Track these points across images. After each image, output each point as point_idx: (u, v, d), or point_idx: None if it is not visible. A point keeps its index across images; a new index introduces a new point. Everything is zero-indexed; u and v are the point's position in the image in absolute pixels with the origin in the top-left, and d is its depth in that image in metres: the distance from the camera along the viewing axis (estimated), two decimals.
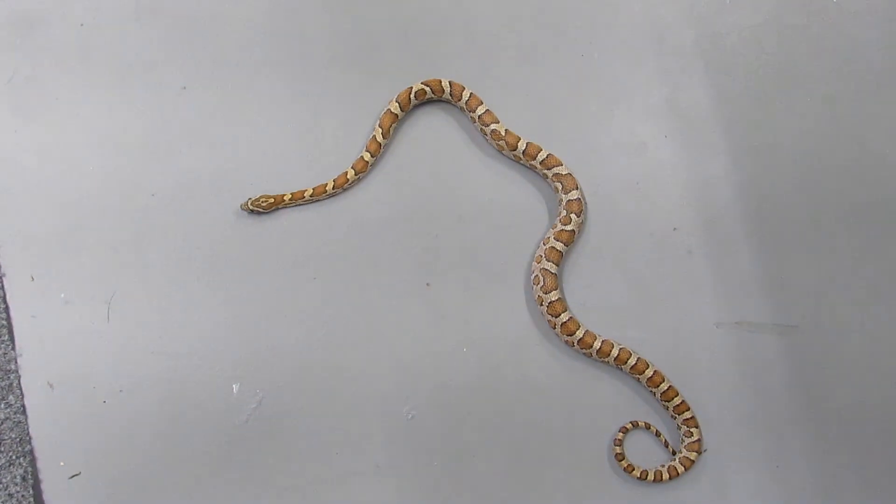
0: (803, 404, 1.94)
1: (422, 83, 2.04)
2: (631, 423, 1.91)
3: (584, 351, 1.93)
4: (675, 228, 2.03)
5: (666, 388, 1.90)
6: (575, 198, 1.99)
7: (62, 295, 1.95)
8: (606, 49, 2.13)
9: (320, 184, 2.01)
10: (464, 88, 2.05)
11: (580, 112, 2.10)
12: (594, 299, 1.99)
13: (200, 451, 1.88)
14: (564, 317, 1.92)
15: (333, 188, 2.00)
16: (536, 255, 1.98)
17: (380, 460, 1.90)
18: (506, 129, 2.02)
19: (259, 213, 1.99)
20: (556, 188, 2.02)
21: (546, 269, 1.94)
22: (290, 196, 2.00)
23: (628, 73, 2.11)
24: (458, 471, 1.90)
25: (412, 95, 2.03)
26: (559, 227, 1.98)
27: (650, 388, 1.92)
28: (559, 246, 1.96)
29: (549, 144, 2.05)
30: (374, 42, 2.14)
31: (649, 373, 1.90)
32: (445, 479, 1.90)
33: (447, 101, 2.10)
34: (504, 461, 1.91)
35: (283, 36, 2.13)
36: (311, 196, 2.00)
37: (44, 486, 1.86)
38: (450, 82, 2.05)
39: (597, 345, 1.91)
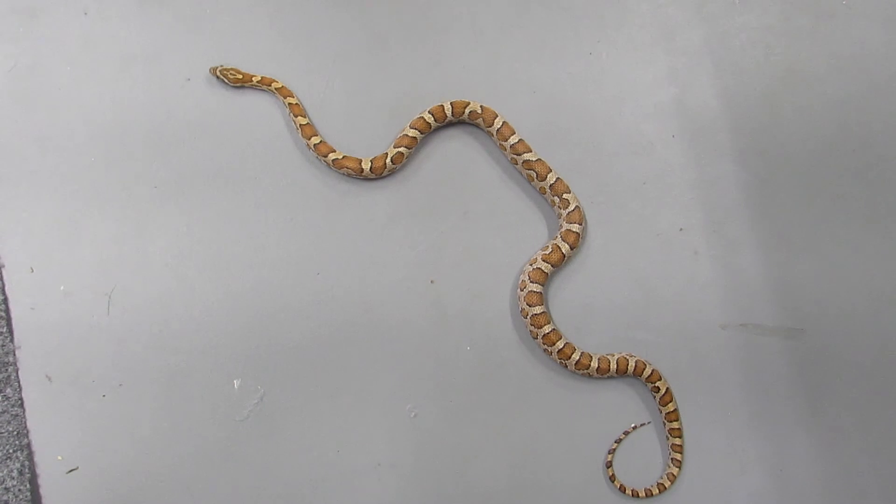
0: (808, 408, 1.93)
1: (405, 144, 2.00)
2: (623, 432, 1.91)
3: (581, 372, 1.93)
4: (681, 229, 2.03)
5: (664, 390, 1.91)
6: (555, 179, 1.98)
7: (62, 287, 1.92)
8: (615, 48, 2.12)
9: (284, 85, 2.04)
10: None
11: (587, 111, 2.09)
12: (599, 299, 1.98)
13: (200, 447, 1.87)
14: (560, 343, 1.91)
15: (287, 98, 2.02)
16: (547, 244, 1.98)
17: (382, 458, 1.89)
18: (481, 106, 2.01)
19: (224, 82, 2.03)
20: (531, 176, 2.01)
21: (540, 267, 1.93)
22: (260, 78, 2.03)
23: (637, 72, 2.10)
24: (460, 470, 1.89)
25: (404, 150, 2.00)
26: (564, 213, 1.97)
27: (650, 386, 1.93)
28: (575, 227, 1.95)
29: (555, 143, 2.05)
30: (381, 37, 2.12)
31: (647, 371, 1.91)
32: (448, 478, 1.89)
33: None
34: (507, 460, 1.90)
35: (289, 28, 2.11)
36: (277, 89, 2.03)
37: (41, 481, 1.84)
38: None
39: (594, 364, 1.90)
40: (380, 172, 1.99)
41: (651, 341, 1.96)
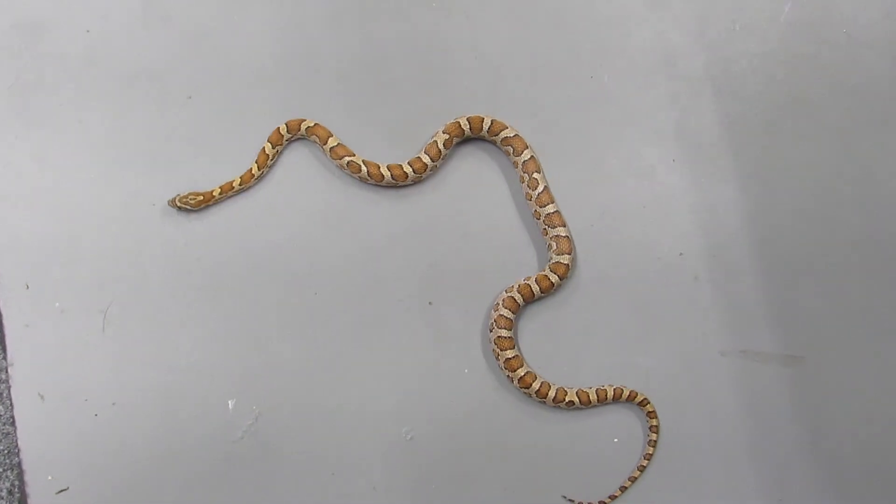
0: (808, 437, 1.92)
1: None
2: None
3: (539, 400, 1.91)
4: (681, 254, 2.02)
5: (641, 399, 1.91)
6: (528, 157, 2.00)
7: (57, 304, 1.91)
8: (616, 72, 2.13)
9: (246, 171, 1.98)
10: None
11: (588, 134, 2.09)
12: (597, 324, 1.97)
13: (194, 468, 1.85)
14: (521, 371, 1.89)
15: (259, 170, 1.98)
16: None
17: (377, 482, 1.87)
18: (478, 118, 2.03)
19: (188, 210, 1.96)
20: (508, 152, 2.03)
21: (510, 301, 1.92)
22: (219, 190, 1.96)
23: (638, 97, 2.11)
24: (457, 494, 1.87)
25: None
26: (527, 188, 1.99)
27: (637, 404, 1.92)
28: (550, 209, 1.96)
29: (555, 165, 2.05)
30: (383, 58, 2.13)
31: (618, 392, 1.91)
32: (443, 502, 1.86)
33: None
34: (503, 485, 1.88)
35: (291, 48, 2.11)
36: (239, 185, 1.97)
37: (31, 501, 1.81)
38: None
39: (550, 394, 1.88)
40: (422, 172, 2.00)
41: (650, 367, 1.95)
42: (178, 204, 1.94)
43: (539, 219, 1.99)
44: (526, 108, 2.10)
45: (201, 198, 1.94)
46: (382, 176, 1.98)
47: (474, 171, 2.07)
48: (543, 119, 2.10)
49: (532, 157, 2.00)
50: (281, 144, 2.01)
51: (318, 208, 2.02)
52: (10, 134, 2.00)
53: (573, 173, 2.06)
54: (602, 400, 1.90)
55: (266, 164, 1.99)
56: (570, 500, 1.86)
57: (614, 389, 1.90)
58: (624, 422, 1.93)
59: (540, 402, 1.90)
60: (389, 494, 1.86)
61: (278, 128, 2.00)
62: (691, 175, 2.06)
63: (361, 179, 2.01)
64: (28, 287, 1.92)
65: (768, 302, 1.99)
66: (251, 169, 1.98)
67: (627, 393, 1.90)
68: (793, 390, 1.94)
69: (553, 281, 1.93)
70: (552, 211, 1.97)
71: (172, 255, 1.95)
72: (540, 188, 1.98)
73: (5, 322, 1.89)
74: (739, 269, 2.01)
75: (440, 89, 2.11)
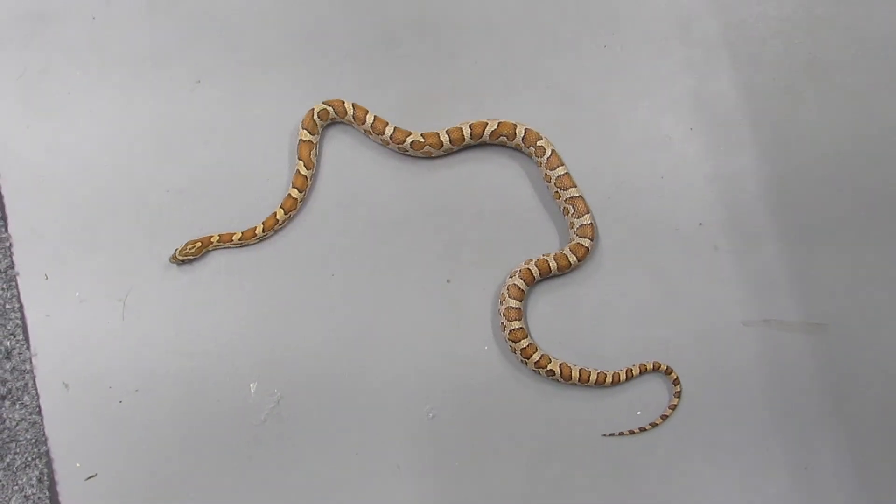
0: (832, 405, 1.90)
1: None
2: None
3: (553, 378, 1.90)
4: (700, 223, 1.99)
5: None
6: (524, 132, 1.98)
7: (77, 293, 1.92)
8: (630, 40, 2.09)
9: (249, 228, 1.94)
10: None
11: (603, 105, 2.06)
12: (617, 296, 1.96)
13: (218, 452, 1.86)
14: (524, 343, 1.88)
15: (264, 230, 1.94)
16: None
17: (400, 461, 1.87)
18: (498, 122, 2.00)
19: (191, 260, 1.93)
20: (504, 142, 2.00)
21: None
22: (218, 238, 1.93)
23: (652, 65, 2.07)
24: (479, 471, 1.88)
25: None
26: (536, 157, 1.97)
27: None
28: (560, 171, 1.95)
29: (570, 138, 2.02)
30: (392, 34, 2.10)
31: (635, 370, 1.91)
32: (467, 480, 1.87)
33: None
34: (527, 462, 1.88)
35: (300, 28, 2.09)
36: (239, 239, 1.94)
37: (60, 488, 1.84)
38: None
39: (556, 368, 1.88)
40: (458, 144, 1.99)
41: (671, 339, 1.93)
42: (180, 258, 1.91)
43: (550, 182, 1.97)
44: (538, 81, 2.07)
45: (199, 244, 1.92)
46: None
47: (490, 151, 2.05)
48: (556, 91, 2.07)
49: (528, 129, 1.97)
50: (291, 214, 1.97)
51: (329, 190, 2.01)
52: (22, 124, 2.01)
53: (588, 145, 2.03)
54: (601, 381, 1.89)
55: (274, 227, 1.95)
56: (610, 434, 1.88)
57: (614, 374, 1.89)
58: (648, 395, 1.92)
59: (550, 378, 1.90)
60: (414, 472, 1.87)
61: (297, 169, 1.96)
62: (709, 143, 2.03)
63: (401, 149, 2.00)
64: (47, 277, 1.93)
65: (789, 270, 1.96)
66: (255, 227, 1.95)
67: (639, 369, 1.90)
68: (816, 358, 1.92)
69: (587, 246, 1.92)
70: (562, 173, 1.95)
71: (188, 240, 1.94)
72: (548, 153, 1.96)
73: (27, 313, 1.91)
74: (760, 238, 1.98)
75: (451, 64, 2.08)
